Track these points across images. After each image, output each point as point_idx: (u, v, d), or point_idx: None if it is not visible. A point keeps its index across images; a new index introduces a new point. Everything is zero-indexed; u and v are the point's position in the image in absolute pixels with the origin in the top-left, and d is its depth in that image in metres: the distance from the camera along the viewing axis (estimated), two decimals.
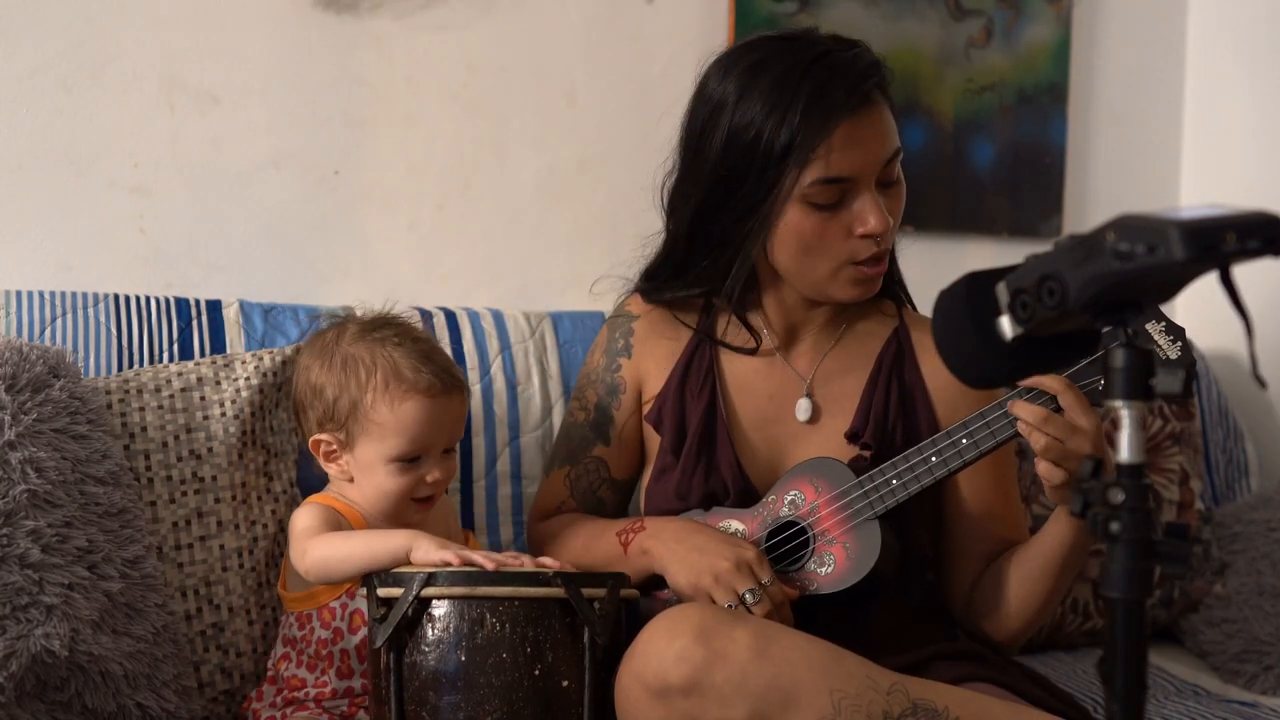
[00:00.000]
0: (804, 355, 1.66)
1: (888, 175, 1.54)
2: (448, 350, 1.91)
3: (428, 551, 1.43)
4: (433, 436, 1.55)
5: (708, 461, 1.62)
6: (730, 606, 1.44)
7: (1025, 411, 1.41)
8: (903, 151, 1.56)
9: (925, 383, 1.63)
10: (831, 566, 1.51)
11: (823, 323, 1.66)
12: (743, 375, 1.66)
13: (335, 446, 1.57)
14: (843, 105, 1.48)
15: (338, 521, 1.55)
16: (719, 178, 1.54)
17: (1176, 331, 1.48)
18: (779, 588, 1.48)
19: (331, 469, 1.59)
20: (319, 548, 1.50)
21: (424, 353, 1.58)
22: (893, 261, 1.67)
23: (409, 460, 1.55)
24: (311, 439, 1.59)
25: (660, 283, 1.68)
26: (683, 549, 1.52)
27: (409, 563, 1.45)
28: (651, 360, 1.70)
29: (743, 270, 1.57)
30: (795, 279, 1.58)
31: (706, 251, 1.60)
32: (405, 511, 1.57)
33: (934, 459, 1.49)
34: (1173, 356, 1.47)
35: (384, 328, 1.61)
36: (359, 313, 1.68)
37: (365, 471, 1.56)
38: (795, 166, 1.49)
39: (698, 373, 1.66)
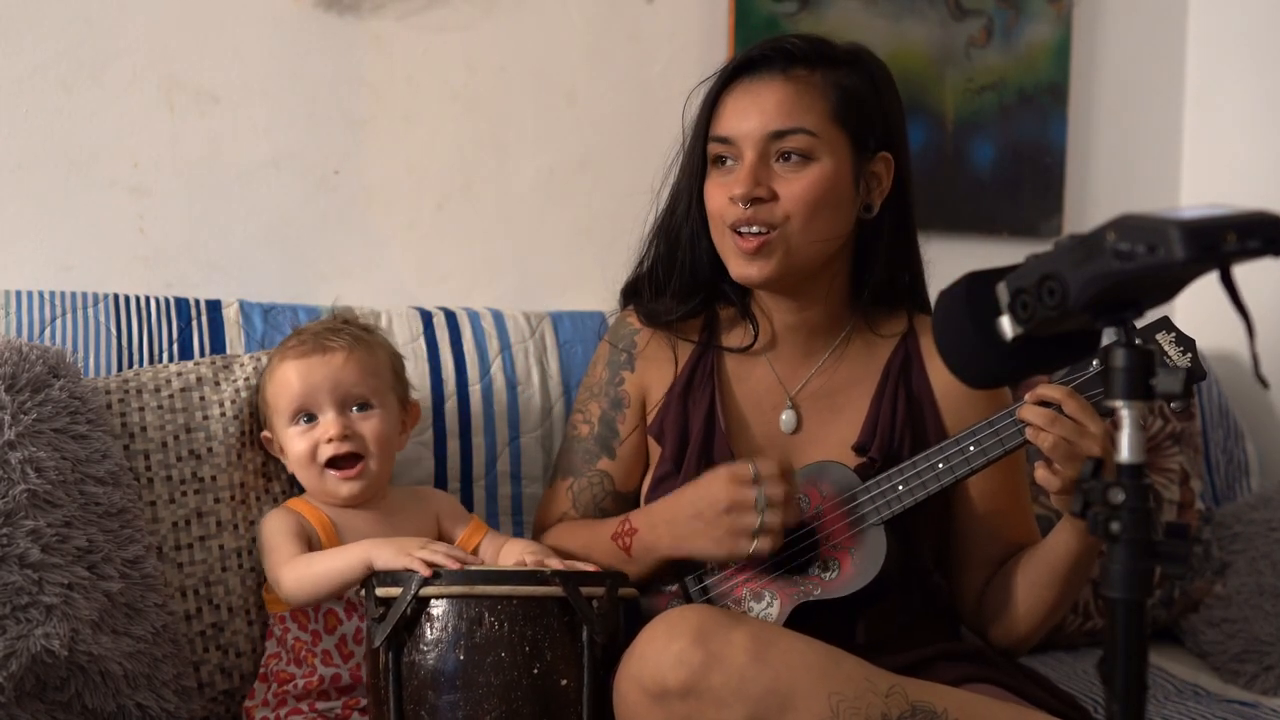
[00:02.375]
0: (795, 363, 1.65)
1: (780, 149, 1.54)
2: (448, 350, 1.93)
3: (390, 560, 1.44)
4: (310, 392, 1.61)
5: (707, 468, 1.60)
6: (760, 522, 1.44)
7: (1033, 414, 1.40)
8: (810, 135, 1.52)
9: (933, 390, 1.62)
10: (836, 572, 1.51)
11: (811, 329, 1.64)
12: (744, 382, 1.66)
13: (274, 441, 1.67)
14: (728, 72, 1.59)
15: (299, 523, 1.60)
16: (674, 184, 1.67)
17: (1187, 343, 1.48)
18: (775, 490, 1.45)
19: (283, 460, 1.67)
20: (287, 576, 1.54)
21: (313, 328, 1.67)
22: (911, 268, 1.66)
23: (305, 421, 1.62)
24: (261, 435, 1.70)
25: (648, 303, 1.68)
26: (684, 529, 1.51)
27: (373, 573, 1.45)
28: (654, 372, 1.69)
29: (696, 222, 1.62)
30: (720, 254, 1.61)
31: (676, 251, 1.64)
32: (325, 483, 1.61)
33: (941, 465, 1.48)
34: (1183, 368, 1.46)
35: (316, 327, 1.70)
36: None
37: (284, 449, 1.65)
38: (704, 131, 1.59)
39: (700, 381, 1.66)
